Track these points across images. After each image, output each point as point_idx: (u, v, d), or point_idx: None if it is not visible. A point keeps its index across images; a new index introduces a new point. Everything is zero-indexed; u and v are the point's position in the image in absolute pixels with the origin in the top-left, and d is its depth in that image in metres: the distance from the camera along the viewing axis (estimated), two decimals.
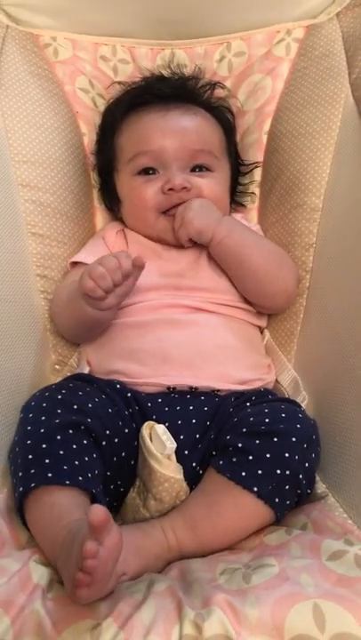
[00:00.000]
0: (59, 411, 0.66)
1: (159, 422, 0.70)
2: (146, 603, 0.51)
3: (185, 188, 0.86)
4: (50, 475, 0.61)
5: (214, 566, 0.58)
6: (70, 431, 0.65)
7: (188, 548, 0.64)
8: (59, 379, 0.86)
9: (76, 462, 0.63)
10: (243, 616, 0.49)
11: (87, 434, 0.66)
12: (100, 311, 0.77)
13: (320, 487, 0.69)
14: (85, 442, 0.65)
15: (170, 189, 0.86)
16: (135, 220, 0.91)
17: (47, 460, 0.62)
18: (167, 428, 0.69)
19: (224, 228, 0.84)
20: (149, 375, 0.77)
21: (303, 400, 0.80)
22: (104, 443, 0.68)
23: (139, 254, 0.87)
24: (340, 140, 0.90)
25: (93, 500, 0.62)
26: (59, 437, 0.64)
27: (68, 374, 0.86)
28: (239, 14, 1.00)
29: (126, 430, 0.71)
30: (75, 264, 0.89)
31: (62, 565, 0.54)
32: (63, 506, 0.60)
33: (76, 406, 0.67)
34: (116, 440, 0.70)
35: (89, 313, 0.78)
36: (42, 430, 0.64)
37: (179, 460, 0.68)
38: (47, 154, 0.93)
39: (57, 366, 0.88)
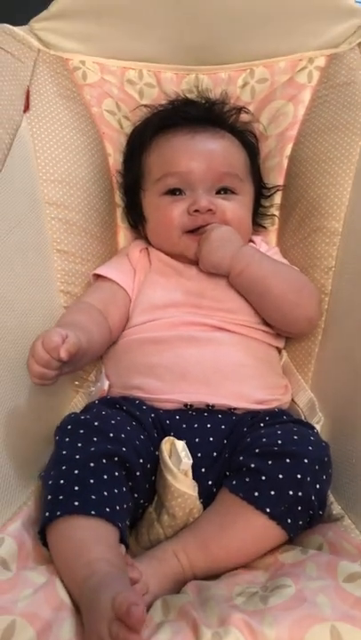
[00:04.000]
0: (95, 439, 0.67)
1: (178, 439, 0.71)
2: (162, 626, 0.51)
3: (210, 210, 0.88)
4: (77, 503, 0.61)
5: (231, 587, 0.58)
6: (104, 461, 0.65)
7: (200, 569, 0.65)
8: (78, 396, 0.88)
9: (105, 493, 0.63)
10: (260, 636, 0.49)
11: (120, 465, 0.66)
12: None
13: (335, 508, 0.70)
14: (117, 474, 0.66)
15: (195, 211, 0.88)
16: (159, 238, 0.94)
17: (76, 488, 0.63)
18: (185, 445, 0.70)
19: (242, 261, 0.86)
20: (167, 391, 0.78)
21: (319, 421, 0.81)
22: (138, 473, 0.68)
23: (161, 272, 0.90)
24: (360, 167, 0.91)
25: (121, 534, 0.62)
26: (92, 465, 0.64)
27: (91, 389, 0.87)
28: (262, 42, 1.01)
29: (157, 453, 0.72)
30: (97, 277, 0.92)
31: (87, 619, 0.53)
32: (81, 541, 0.59)
33: (112, 434, 0.68)
34: (149, 466, 0.71)
35: None
36: (77, 457, 0.65)
37: (195, 478, 0.69)
38: (74, 173, 0.95)
39: (76, 382, 0.89)
